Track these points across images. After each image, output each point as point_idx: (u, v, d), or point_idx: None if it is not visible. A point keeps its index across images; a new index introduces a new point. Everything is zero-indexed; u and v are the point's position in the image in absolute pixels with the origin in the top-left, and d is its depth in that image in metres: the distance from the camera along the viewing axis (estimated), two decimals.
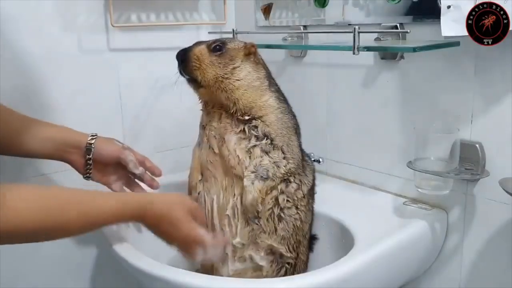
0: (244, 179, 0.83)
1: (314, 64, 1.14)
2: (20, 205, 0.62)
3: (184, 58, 0.84)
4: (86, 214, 0.70)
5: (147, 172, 0.93)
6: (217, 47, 0.85)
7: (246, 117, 0.85)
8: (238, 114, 0.85)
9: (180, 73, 0.86)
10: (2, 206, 0.59)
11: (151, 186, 0.93)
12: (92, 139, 0.87)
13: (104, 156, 0.88)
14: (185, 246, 0.77)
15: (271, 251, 0.86)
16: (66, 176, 0.95)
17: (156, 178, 0.94)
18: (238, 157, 0.84)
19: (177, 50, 0.86)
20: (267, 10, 1.20)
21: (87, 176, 0.89)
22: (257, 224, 0.84)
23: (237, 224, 0.85)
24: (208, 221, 0.88)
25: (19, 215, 0.61)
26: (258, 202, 0.82)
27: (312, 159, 1.05)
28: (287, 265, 0.87)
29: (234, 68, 0.84)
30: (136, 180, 0.94)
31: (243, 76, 0.85)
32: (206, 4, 1.26)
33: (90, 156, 0.87)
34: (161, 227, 0.76)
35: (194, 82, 0.85)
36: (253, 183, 0.82)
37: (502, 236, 0.85)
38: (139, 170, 0.90)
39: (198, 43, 0.87)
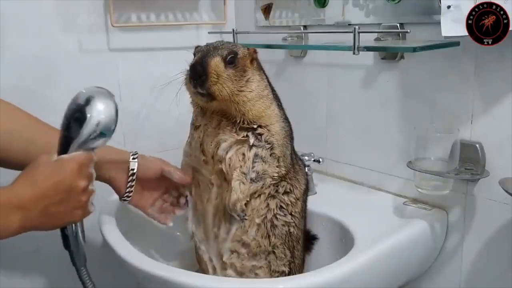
0: (233, 179, 0.82)
1: (314, 64, 1.14)
2: None
3: (202, 74, 0.78)
4: None
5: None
6: (231, 59, 0.80)
7: (254, 126, 0.82)
8: (245, 124, 0.82)
9: (195, 87, 0.79)
10: None
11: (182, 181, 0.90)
12: (135, 154, 0.86)
13: (149, 170, 0.86)
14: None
15: (265, 256, 0.86)
16: None
17: None
18: (231, 160, 0.82)
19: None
20: (267, 10, 1.20)
21: (126, 196, 0.85)
22: (244, 220, 0.84)
23: (229, 227, 0.85)
24: (201, 224, 0.89)
25: None
26: (242, 204, 0.82)
27: (312, 159, 1.05)
28: (282, 274, 0.87)
29: (247, 81, 0.81)
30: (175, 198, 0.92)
31: (255, 87, 0.82)
32: (206, 4, 1.26)
33: (134, 171, 0.84)
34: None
35: (208, 95, 0.80)
36: (239, 184, 0.81)
37: (502, 236, 0.85)
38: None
39: (211, 55, 0.79)
